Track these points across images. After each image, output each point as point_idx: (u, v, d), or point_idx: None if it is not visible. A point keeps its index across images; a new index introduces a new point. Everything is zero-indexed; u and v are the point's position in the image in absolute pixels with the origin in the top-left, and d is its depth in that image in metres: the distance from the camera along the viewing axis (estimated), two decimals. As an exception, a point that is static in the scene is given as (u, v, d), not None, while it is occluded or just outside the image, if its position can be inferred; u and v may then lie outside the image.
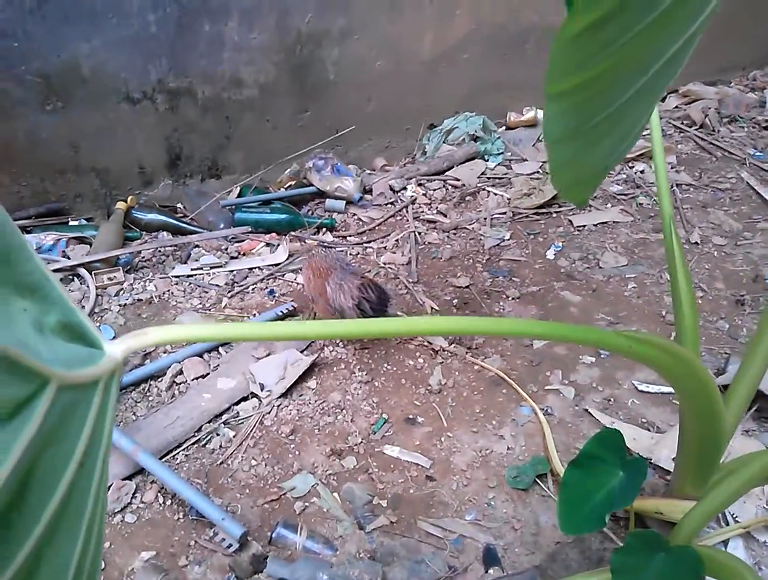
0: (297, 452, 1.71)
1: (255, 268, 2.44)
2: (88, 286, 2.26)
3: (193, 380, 1.92)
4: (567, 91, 0.65)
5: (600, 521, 1.18)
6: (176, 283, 2.35)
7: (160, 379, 1.93)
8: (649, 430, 1.78)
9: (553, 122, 0.69)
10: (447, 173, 3.05)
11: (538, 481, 1.62)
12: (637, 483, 1.17)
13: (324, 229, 2.70)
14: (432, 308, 2.22)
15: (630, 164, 3.13)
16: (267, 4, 2.50)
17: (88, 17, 2.23)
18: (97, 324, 2.13)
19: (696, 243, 2.54)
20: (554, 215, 2.75)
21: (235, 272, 2.41)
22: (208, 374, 1.94)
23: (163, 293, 2.29)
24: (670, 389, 1.91)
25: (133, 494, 1.57)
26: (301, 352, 2.02)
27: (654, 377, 1.96)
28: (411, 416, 1.82)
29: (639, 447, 1.70)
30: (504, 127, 3.39)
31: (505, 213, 2.75)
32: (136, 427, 1.74)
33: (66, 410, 0.40)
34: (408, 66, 2.99)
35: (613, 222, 2.69)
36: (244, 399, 1.86)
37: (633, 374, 1.96)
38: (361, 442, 1.74)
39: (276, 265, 2.45)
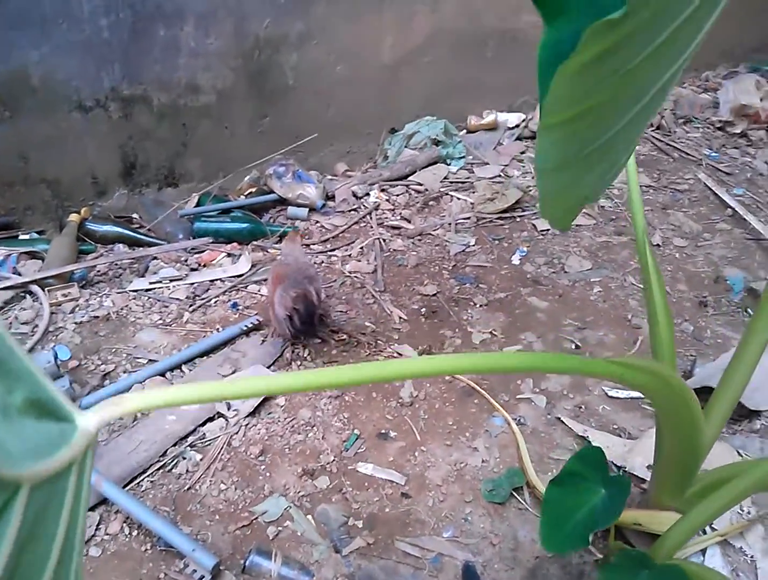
0: (267, 474, 1.66)
1: (216, 280, 2.37)
2: (41, 304, 2.16)
3: (156, 400, 1.85)
4: (563, 121, 0.63)
5: (583, 539, 1.16)
6: (134, 298, 2.27)
7: (121, 400, 1.85)
8: (620, 436, 1.78)
9: (547, 152, 0.67)
10: (410, 178, 3.03)
11: (515, 494, 1.60)
12: (619, 501, 1.16)
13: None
14: (400, 318, 2.19)
15: (590, 166, 3.14)
16: (224, 9, 2.43)
17: (37, 23, 2.13)
18: (53, 344, 2.04)
19: (657, 245, 2.57)
20: (518, 220, 2.75)
21: (196, 285, 2.33)
22: (171, 393, 1.87)
23: (121, 309, 2.21)
24: (639, 394, 1.92)
25: (97, 525, 1.50)
26: (268, 367, 1.96)
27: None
28: (383, 431, 1.78)
29: (613, 455, 1.69)
30: (464, 131, 3.38)
31: (469, 218, 2.74)
32: (97, 454, 1.66)
33: (41, 508, 0.36)
34: (368, 71, 2.95)
35: (576, 225, 2.70)
36: (210, 420, 1.80)
37: (602, 379, 1.96)
38: (334, 460, 1.69)
39: (238, 276, 2.39)
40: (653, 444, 1.68)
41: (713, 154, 3.24)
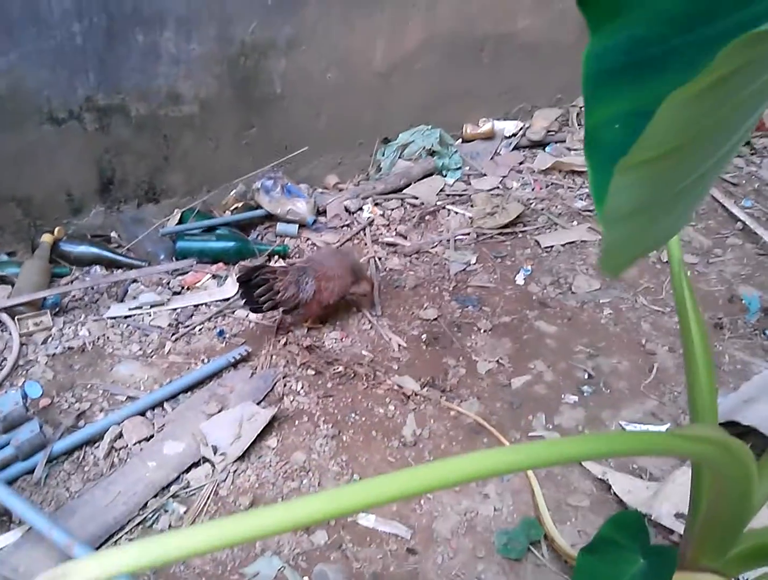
0: (259, 528, 1.50)
1: (201, 304, 2.21)
2: (10, 334, 1.99)
3: (135, 444, 1.69)
4: (657, 157, 0.49)
5: (622, 620, 1.02)
6: (112, 326, 2.10)
7: (96, 444, 1.69)
8: (642, 477, 1.64)
9: (624, 195, 0.53)
10: (404, 191, 2.88)
11: (532, 548, 1.46)
12: (664, 575, 1.02)
13: (276, 257, 2.48)
14: (399, 345, 2.04)
15: (591, 177, 3.01)
16: (206, 13, 2.27)
17: (3, 28, 1.96)
18: (23, 380, 1.87)
19: (667, 262, 2.43)
20: (520, 235, 2.61)
21: (179, 310, 2.17)
22: (152, 435, 1.71)
23: (98, 339, 2.04)
24: (658, 428, 1.78)
25: (68, 596, 1.33)
26: (258, 403, 1.81)
27: (639, 415, 1.83)
28: (385, 476, 1.63)
29: (636, 502, 1.55)
30: (460, 140, 3.24)
31: (468, 234, 2.59)
32: (70, 509, 1.50)
33: None
34: (360, 78, 2.80)
35: (582, 241, 2.56)
36: (195, 465, 1.65)
37: (618, 412, 1.83)
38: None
39: (225, 300, 2.23)
40: (681, 489, 1.56)
41: (718, 163, 3.11)
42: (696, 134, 0.48)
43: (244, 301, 2.00)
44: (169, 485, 1.59)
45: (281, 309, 2.04)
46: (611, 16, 0.63)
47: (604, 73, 0.60)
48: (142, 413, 1.77)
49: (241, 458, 1.65)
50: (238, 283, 2.02)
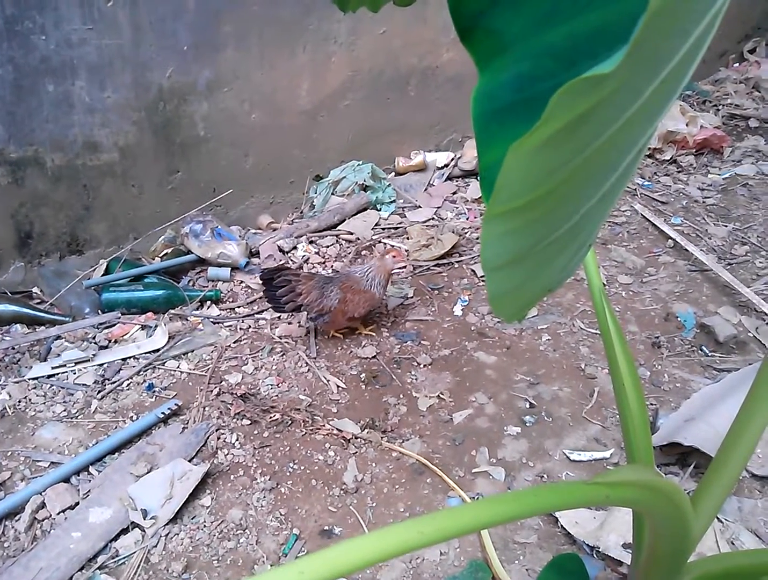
0: (193, 596, 1.41)
1: (129, 358, 2.11)
2: None
3: (58, 513, 1.58)
4: (517, 208, 0.46)
5: None
6: (35, 387, 1.99)
7: (17, 517, 1.58)
8: (589, 507, 1.61)
9: (496, 246, 0.50)
10: (339, 227, 2.84)
11: (480, 592, 1.41)
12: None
13: (209, 303, 2.40)
14: (338, 387, 1.98)
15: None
16: (119, 59, 2.21)
17: None
18: (-66, 453, 1.74)
19: (605, 284, 2.45)
20: (456, 266, 2.59)
21: (105, 366, 2.07)
22: (77, 503, 1.61)
23: (19, 402, 1.93)
24: (603, 455, 1.77)
25: None
26: (190, 460, 1.72)
27: (583, 442, 1.81)
28: (326, 527, 1.57)
29: (583, 534, 1.52)
30: (393, 174, 3.23)
31: (405, 267, 2.56)
32: (-16, 592, 1.39)
33: None
34: (286, 117, 2.77)
35: (517, 268, 2.56)
36: (124, 532, 1.55)
37: (561, 440, 1.81)
38: (270, 569, 1.46)
39: (155, 351, 2.14)
40: (627, 517, 1.53)
41: (646, 183, 3.18)
42: (555, 185, 0.45)
43: (266, 300, 2.14)
44: (95, 556, 1.49)
45: (307, 315, 2.14)
46: (496, 53, 0.61)
47: (495, 112, 0.57)
48: (66, 480, 1.66)
49: (173, 520, 1.56)
50: (261, 282, 2.12)
